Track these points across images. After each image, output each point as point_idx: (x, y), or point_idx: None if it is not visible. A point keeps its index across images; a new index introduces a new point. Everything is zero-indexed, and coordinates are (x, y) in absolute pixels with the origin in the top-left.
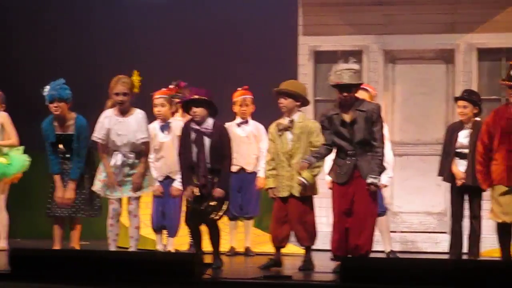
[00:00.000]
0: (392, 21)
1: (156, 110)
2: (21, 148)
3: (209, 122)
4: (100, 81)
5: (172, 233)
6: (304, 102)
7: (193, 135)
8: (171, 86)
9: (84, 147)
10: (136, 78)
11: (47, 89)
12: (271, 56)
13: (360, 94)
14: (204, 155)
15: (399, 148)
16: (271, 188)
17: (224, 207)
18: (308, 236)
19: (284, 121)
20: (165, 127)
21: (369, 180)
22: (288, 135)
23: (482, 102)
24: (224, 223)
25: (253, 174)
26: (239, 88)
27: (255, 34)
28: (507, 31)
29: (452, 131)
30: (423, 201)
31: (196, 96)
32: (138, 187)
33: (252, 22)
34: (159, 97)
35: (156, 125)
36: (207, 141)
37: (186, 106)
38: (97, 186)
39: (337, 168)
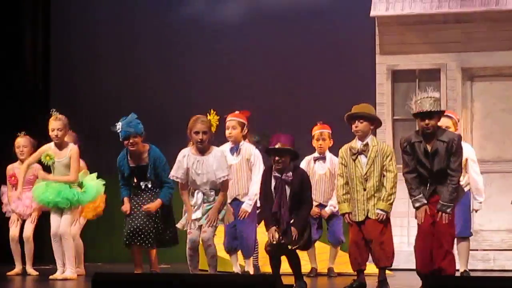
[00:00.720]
0: (470, 39)
1: (227, 132)
2: (94, 174)
3: (290, 168)
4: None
5: (248, 254)
6: (378, 124)
7: (274, 183)
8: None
9: (167, 174)
10: (213, 117)
11: (119, 125)
12: (349, 76)
13: (443, 122)
14: (285, 203)
15: (480, 166)
16: (347, 213)
17: (301, 242)
18: (385, 256)
19: (357, 144)
20: (235, 149)
21: (438, 206)
22: (363, 158)
23: None
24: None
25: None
26: (318, 122)
27: (332, 54)
28: None
29: None
30: (504, 218)
31: (280, 146)
32: (213, 222)
33: (329, 42)
34: (231, 120)
35: (226, 147)
36: (288, 189)
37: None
38: (182, 222)
39: None
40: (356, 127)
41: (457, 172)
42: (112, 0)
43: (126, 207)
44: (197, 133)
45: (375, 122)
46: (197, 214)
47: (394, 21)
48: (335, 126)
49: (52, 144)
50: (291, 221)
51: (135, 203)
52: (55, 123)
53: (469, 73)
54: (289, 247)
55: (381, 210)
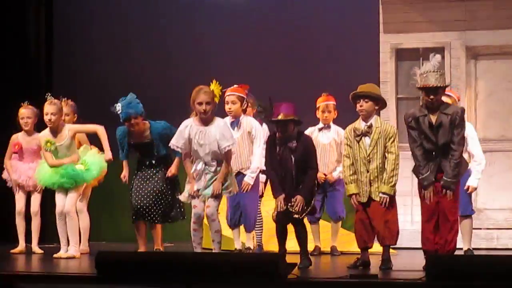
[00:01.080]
0: (474, 17)
1: (227, 107)
2: (95, 150)
3: (294, 136)
4: (176, 88)
5: (249, 228)
6: (383, 105)
7: (279, 150)
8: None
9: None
10: (216, 87)
11: (119, 106)
12: (352, 55)
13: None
14: (290, 170)
15: (483, 145)
16: (354, 194)
17: (307, 208)
18: (390, 235)
19: (361, 125)
20: (236, 123)
21: (442, 183)
22: (366, 140)
23: None
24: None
25: (337, 179)
26: (323, 94)
27: (336, 33)
28: None
29: None
30: (508, 197)
31: (282, 117)
32: (217, 193)
33: (333, 21)
34: (230, 94)
35: (226, 121)
36: (292, 156)
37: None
38: (184, 194)
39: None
40: (361, 106)
41: (459, 146)
42: None
43: (125, 172)
44: (200, 104)
45: (380, 103)
46: (199, 185)
47: (397, 0)
48: (339, 101)
49: (47, 130)
50: (298, 189)
51: (140, 178)
52: (49, 107)
53: (473, 51)
54: (297, 216)
55: (383, 193)
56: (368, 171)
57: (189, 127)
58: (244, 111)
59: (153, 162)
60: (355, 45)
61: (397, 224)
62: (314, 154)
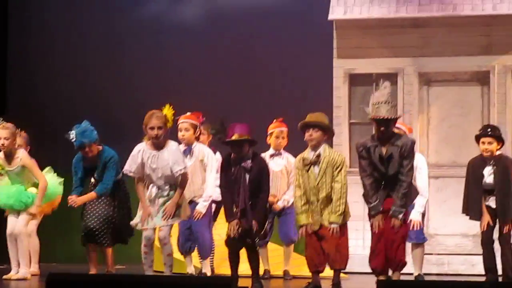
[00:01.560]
0: (427, 43)
1: (180, 134)
2: (51, 174)
3: (249, 156)
4: (133, 110)
5: (205, 255)
6: (331, 135)
7: (233, 170)
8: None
9: (112, 175)
10: (169, 111)
11: (73, 134)
12: (307, 79)
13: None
14: (244, 191)
15: (435, 170)
16: (305, 225)
17: (259, 233)
18: (340, 259)
19: (310, 155)
20: (188, 151)
21: (390, 212)
22: (315, 169)
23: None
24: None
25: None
26: (275, 120)
27: (290, 57)
28: None
29: (476, 168)
30: (459, 223)
31: (237, 137)
32: (169, 216)
33: (288, 45)
34: (183, 122)
35: (179, 146)
36: (247, 175)
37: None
38: (135, 220)
39: None
40: (310, 135)
41: (408, 177)
42: (69, 2)
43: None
44: (152, 128)
45: (328, 132)
46: (152, 209)
47: (352, 25)
48: (291, 126)
49: (1, 153)
50: (250, 212)
51: (91, 201)
52: (2, 131)
53: (426, 77)
54: (248, 240)
55: (332, 222)
56: (318, 200)
57: (141, 151)
58: (197, 139)
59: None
60: (310, 70)
61: (348, 248)
62: (267, 176)
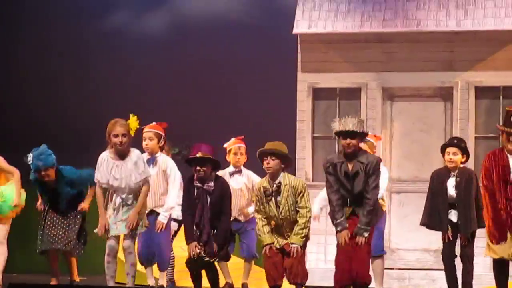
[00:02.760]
0: (391, 59)
1: (144, 143)
2: (12, 184)
3: (212, 178)
4: (99, 121)
5: (163, 267)
6: (289, 164)
7: (196, 193)
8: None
9: (85, 178)
10: (133, 121)
11: (30, 157)
12: (270, 92)
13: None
14: (206, 212)
15: (397, 185)
16: (268, 244)
17: (220, 254)
18: (302, 273)
19: (269, 185)
20: (152, 161)
21: (355, 230)
22: (277, 198)
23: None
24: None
25: (249, 220)
26: (232, 138)
27: (254, 70)
28: (505, 69)
29: (440, 180)
30: (420, 238)
31: (201, 155)
32: (132, 224)
33: (251, 58)
34: (148, 131)
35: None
36: (208, 198)
37: (189, 162)
38: (99, 228)
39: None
40: (267, 163)
41: (373, 195)
42: (34, 11)
43: (40, 204)
44: (116, 136)
45: (286, 162)
46: (116, 218)
47: (316, 39)
48: (254, 140)
49: None
50: (212, 234)
51: (54, 211)
52: None
53: (389, 92)
54: (207, 259)
55: (294, 243)
56: (283, 227)
57: (106, 161)
58: (161, 149)
59: (64, 202)
60: (273, 83)
61: (305, 264)
62: (229, 198)
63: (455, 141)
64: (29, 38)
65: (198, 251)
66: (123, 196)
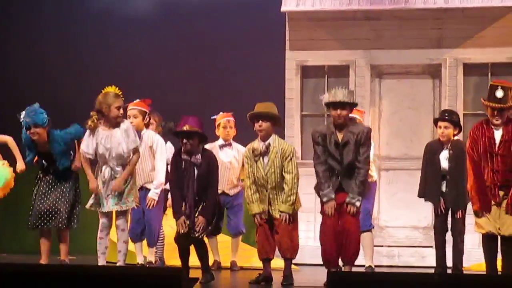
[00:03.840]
0: (379, 36)
1: (129, 121)
2: (2, 161)
3: (199, 150)
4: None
5: (152, 244)
6: (279, 124)
7: (183, 165)
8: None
9: (66, 151)
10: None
11: (22, 114)
12: (259, 71)
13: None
14: (193, 185)
15: (386, 163)
16: (257, 213)
17: (208, 229)
18: (292, 248)
19: (259, 145)
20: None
21: (347, 200)
22: (265, 159)
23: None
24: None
25: (237, 195)
26: (220, 112)
27: (242, 48)
28: (493, 46)
29: (433, 152)
30: (409, 215)
31: (188, 128)
32: (118, 189)
33: (239, 36)
34: (132, 108)
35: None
36: (196, 171)
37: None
38: (90, 201)
39: None
40: (260, 126)
41: (365, 165)
42: None
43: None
44: (118, 108)
45: (277, 122)
46: (106, 192)
47: (304, 17)
48: (243, 118)
49: None
50: (200, 209)
51: (44, 184)
52: None
53: (377, 70)
54: (196, 235)
55: (283, 211)
56: (267, 190)
57: (97, 132)
58: (147, 126)
59: (57, 171)
60: (262, 61)
61: (298, 239)
62: (216, 171)
63: (446, 115)
64: (16, 20)
65: (186, 225)
66: (113, 166)
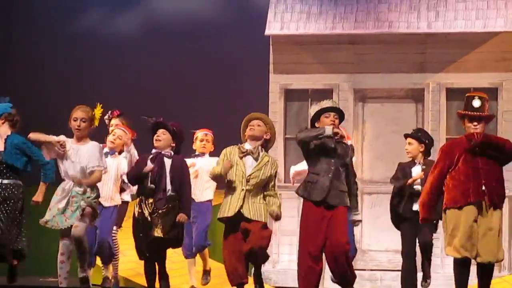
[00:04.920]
0: (363, 60)
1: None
2: None
3: (172, 149)
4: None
5: (105, 260)
6: (272, 138)
7: (152, 157)
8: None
9: (40, 153)
10: (98, 111)
11: None
12: (243, 93)
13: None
14: (165, 176)
15: (369, 187)
16: (219, 174)
17: (173, 234)
18: (262, 257)
19: (247, 146)
20: (111, 154)
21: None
22: (249, 160)
23: (431, 141)
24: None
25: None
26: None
27: (226, 71)
28: (476, 71)
29: (403, 170)
30: (392, 239)
31: (162, 120)
32: (77, 183)
33: (223, 59)
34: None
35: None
36: (168, 162)
37: (154, 130)
38: (46, 217)
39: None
40: (254, 126)
41: (355, 183)
42: (6, 11)
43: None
44: (75, 119)
45: (270, 131)
46: (62, 203)
47: (288, 41)
48: (224, 140)
49: None
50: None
51: None
52: None
53: (361, 94)
54: (160, 234)
55: (273, 210)
56: (243, 190)
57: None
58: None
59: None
60: (246, 84)
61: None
62: (189, 175)
63: (413, 131)
64: (8, 30)
65: (150, 204)
66: (74, 182)
